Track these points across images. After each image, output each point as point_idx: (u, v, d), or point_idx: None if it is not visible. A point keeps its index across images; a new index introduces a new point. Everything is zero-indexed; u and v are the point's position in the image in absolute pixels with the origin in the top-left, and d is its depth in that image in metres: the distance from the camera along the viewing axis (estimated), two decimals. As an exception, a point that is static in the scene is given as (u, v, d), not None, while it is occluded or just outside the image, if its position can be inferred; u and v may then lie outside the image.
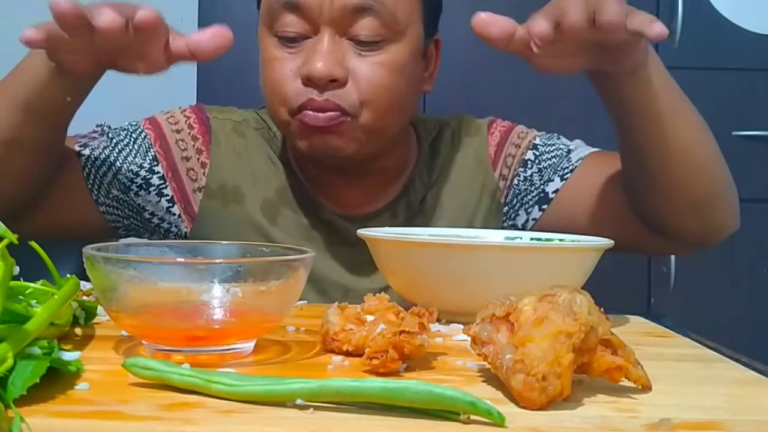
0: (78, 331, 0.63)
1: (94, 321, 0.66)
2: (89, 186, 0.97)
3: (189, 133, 1.04)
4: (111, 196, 0.98)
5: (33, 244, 0.58)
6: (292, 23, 0.92)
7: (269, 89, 0.95)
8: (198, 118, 1.06)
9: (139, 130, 1.02)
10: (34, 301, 0.54)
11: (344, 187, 1.03)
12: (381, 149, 0.99)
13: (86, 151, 0.98)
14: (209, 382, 0.46)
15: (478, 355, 0.51)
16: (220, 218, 1.01)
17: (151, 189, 1.00)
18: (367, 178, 1.03)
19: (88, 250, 0.55)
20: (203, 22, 1.91)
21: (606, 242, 0.74)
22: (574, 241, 0.80)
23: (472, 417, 0.43)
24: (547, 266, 0.70)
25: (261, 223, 1.01)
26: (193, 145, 1.03)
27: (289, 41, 0.93)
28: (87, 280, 0.58)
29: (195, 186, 1.02)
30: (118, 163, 0.98)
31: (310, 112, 0.91)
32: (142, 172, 0.99)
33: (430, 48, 1.01)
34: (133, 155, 0.99)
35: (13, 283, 0.52)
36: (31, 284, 0.57)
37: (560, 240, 0.82)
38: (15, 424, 0.38)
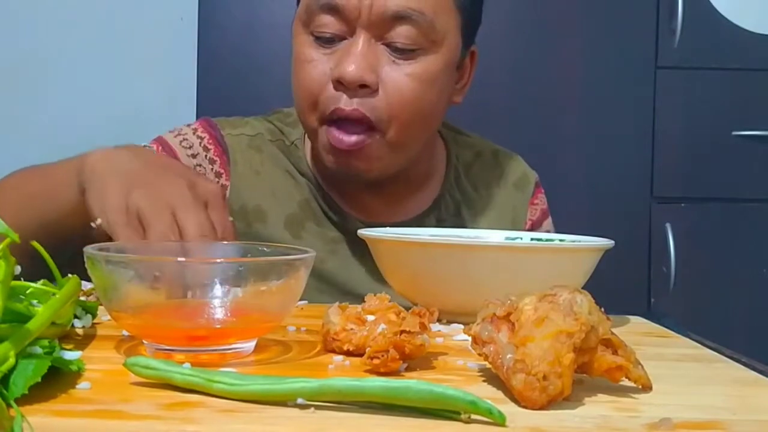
0: (79, 330, 0.63)
1: (95, 321, 0.66)
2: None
3: (205, 156, 1.01)
4: None
5: (35, 244, 0.58)
6: (329, 24, 0.91)
7: (301, 92, 0.94)
8: (212, 138, 1.03)
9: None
10: (35, 301, 0.54)
11: (368, 195, 1.02)
12: (404, 165, 0.98)
13: None
14: (210, 382, 0.46)
15: (479, 354, 0.51)
16: (243, 239, 0.96)
17: None
18: (391, 187, 1.02)
19: (89, 249, 0.55)
20: (203, 22, 1.91)
21: (606, 242, 0.74)
22: (574, 241, 0.80)
23: (473, 416, 0.43)
24: (548, 266, 0.70)
25: (285, 240, 0.99)
26: (212, 169, 1.00)
27: (325, 42, 0.91)
28: (88, 279, 0.58)
29: None
30: None
31: (336, 132, 0.90)
32: None
33: (465, 59, 1.00)
34: None
35: (14, 282, 0.52)
36: (32, 284, 0.57)
37: (561, 240, 0.82)
38: (16, 422, 0.38)
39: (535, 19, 1.91)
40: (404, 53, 0.90)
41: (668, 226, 1.89)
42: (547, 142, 1.88)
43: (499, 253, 0.72)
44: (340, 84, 0.89)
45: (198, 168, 0.99)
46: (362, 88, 0.89)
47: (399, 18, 0.89)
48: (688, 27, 1.87)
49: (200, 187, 0.75)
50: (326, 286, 0.99)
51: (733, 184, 1.91)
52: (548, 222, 1.15)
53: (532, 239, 0.84)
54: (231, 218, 0.78)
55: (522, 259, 0.70)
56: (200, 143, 1.02)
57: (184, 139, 1.02)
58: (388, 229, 0.87)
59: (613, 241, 0.75)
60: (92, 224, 0.73)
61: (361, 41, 0.89)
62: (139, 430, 0.40)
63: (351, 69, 0.88)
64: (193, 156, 1.00)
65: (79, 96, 2.14)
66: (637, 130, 1.91)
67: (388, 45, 0.90)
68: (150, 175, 0.75)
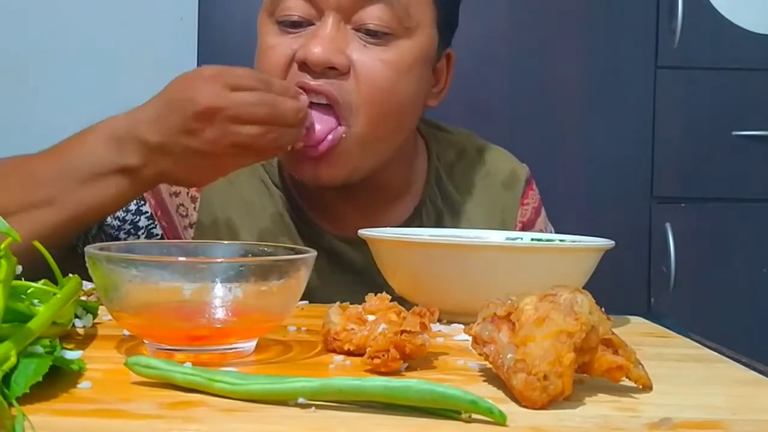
0: (80, 330, 0.63)
1: (96, 320, 0.66)
2: (75, 242, 0.87)
3: None
4: None
5: (36, 243, 0.58)
6: (295, 7, 0.86)
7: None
8: None
9: None
10: (36, 301, 0.54)
11: (342, 205, 0.97)
12: (378, 166, 0.91)
13: None
14: (211, 381, 0.46)
15: (480, 354, 0.51)
16: None
17: (140, 232, 0.92)
18: (366, 196, 0.96)
19: (90, 249, 0.55)
20: (203, 22, 1.91)
21: (606, 243, 0.74)
22: (574, 241, 0.81)
23: (474, 416, 0.43)
24: (548, 266, 0.70)
25: None
26: None
27: (290, 26, 0.86)
28: (89, 279, 0.58)
29: (186, 222, 0.94)
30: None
31: (304, 139, 0.83)
32: (129, 216, 0.92)
33: (441, 62, 0.95)
34: None
35: (15, 282, 0.52)
36: (33, 284, 0.57)
37: (561, 240, 0.82)
38: (18, 421, 0.38)
39: (535, 19, 1.91)
40: (376, 36, 0.85)
41: (668, 226, 1.89)
42: (547, 142, 1.88)
43: (499, 253, 0.72)
44: (305, 66, 0.84)
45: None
46: (330, 70, 0.83)
47: None
48: (688, 27, 1.87)
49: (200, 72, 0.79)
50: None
51: (733, 184, 1.91)
52: (541, 220, 1.08)
53: (532, 239, 0.84)
54: None
55: (522, 259, 0.70)
56: None
57: None
58: (388, 229, 0.87)
59: (613, 242, 0.75)
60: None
61: (329, 23, 0.84)
62: (140, 429, 0.41)
63: (317, 50, 0.82)
64: None
65: (78, 96, 2.13)
66: (637, 130, 1.91)
67: (358, 29, 0.85)
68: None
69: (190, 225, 0.95)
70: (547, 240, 0.83)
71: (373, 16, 0.84)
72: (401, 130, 0.92)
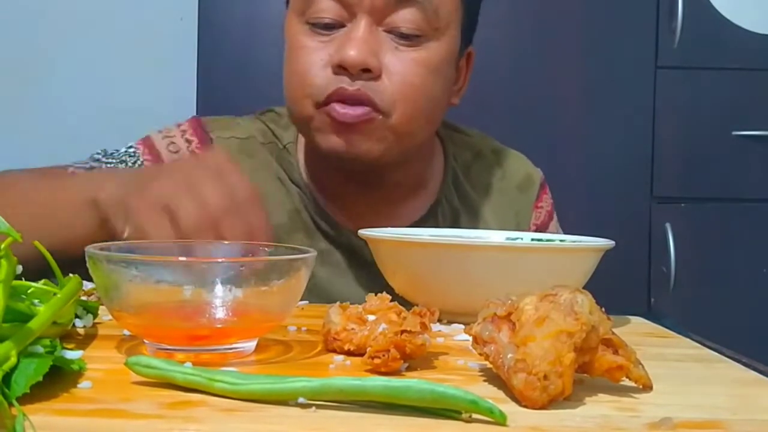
0: (80, 330, 0.63)
1: (96, 320, 0.66)
2: None
3: None
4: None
5: (36, 243, 0.58)
6: (328, 9, 0.87)
7: (295, 79, 0.89)
8: (201, 142, 0.98)
9: (136, 160, 0.95)
10: (36, 300, 0.54)
11: (361, 201, 0.98)
12: (403, 158, 0.93)
13: None
14: (212, 381, 0.46)
15: (480, 354, 0.51)
16: None
17: None
18: (385, 191, 0.98)
19: (90, 249, 0.55)
20: (203, 22, 1.91)
21: (606, 243, 0.74)
22: (575, 241, 0.81)
23: (474, 416, 0.43)
24: (548, 266, 0.70)
25: None
26: None
27: (322, 28, 0.88)
28: (89, 279, 0.58)
29: None
30: None
31: (338, 107, 0.85)
32: None
33: (462, 60, 0.97)
34: None
35: (16, 282, 0.52)
36: (34, 283, 0.57)
37: (561, 240, 0.82)
38: (18, 421, 0.38)
39: (535, 19, 1.91)
40: (408, 39, 0.87)
41: (668, 226, 1.89)
42: (547, 142, 1.88)
43: (500, 253, 0.72)
44: (340, 69, 0.85)
45: None
46: (365, 73, 0.85)
47: (404, 0, 0.86)
48: (688, 27, 1.88)
49: (207, 159, 0.76)
50: (317, 299, 0.96)
51: (733, 184, 1.91)
52: (553, 223, 1.11)
53: (532, 239, 0.84)
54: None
55: (522, 259, 0.70)
56: (188, 147, 0.97)
57: (171, 143, 0.98)
58: (388, 229, 0.87)
59: (613, 242, 0.75)
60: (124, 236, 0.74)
61: (362, 25, 0.86)
62: (140, 429, 0.41)
63: (353, 53, 0.84)
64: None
65: (79, 96, 2.14)
66: (637, 130, 1.91)
67: (390, 31, 0.87)
68: (152, 175, 0.76)
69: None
70: (547, 240, 0.83)
71: (404, 19, 0.86)
72: (429, 126, 0.94)
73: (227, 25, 1.91)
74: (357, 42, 0.85)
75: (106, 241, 0.71)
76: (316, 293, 0.95)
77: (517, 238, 0.85)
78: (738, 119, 1.90)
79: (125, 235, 0.73)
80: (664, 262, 1.88)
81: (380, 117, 0.87)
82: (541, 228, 1.09)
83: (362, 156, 0.89)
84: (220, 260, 0.61)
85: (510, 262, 0.70)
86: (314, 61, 0.87)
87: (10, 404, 0.40)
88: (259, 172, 0.97)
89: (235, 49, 1.91)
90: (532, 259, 0.70)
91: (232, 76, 1.89)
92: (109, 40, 2.17)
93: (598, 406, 0.47)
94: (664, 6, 1.89)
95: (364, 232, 0.78)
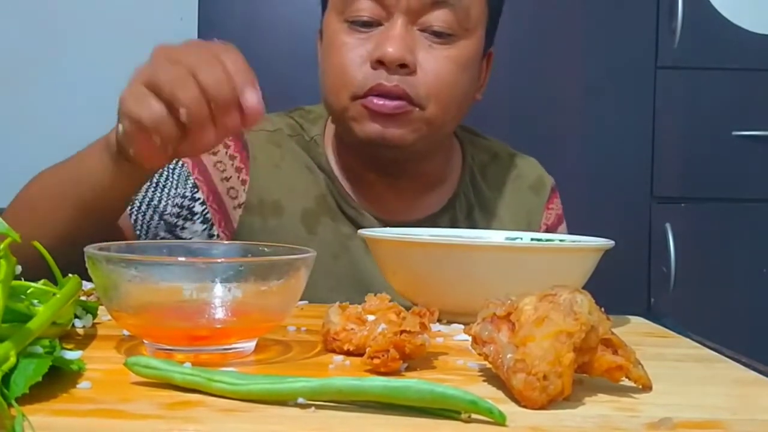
0: (80, 330, 0.63)
1: (96, 320, 0.66)
2: (137, 232, 0.96)
3: (226, 153, 1.01)
4: (158, 238, 0.96)
5: (36, 244, 0.58)
6: (366, 8, 0.93)
7: (335, 73, 0.95)
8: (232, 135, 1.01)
9: (176, 161, 0.99)
10: (36, 301, 0.54)
11: (385, 190, 1.03)
12: (431, 149, 0.99)
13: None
14: (211, 381, 0.46)
15: (479, 354, 0.51)
16: (259, 233, 0.99)
17: (195, 217, 0.98)
18: (407, 182, 1.03)
19: (90, 249, 0.55)
20: (203, 22, 1.91)
21: (606, 242, 0.74)
22: (574, 241, 0.81)
23: (473, 416, 0.43)
24: (548, 266, 0.70)
25: (300, 235, 0.99)
26: (232, 164, 1.00)
27: (361, 26, 0.93)
28: (89, 279, 0.58)
29: (235, 203, 1.00)
30: (162, 204, 0.96)
31: (376, 99, 0.91)
32: (186, 202, 0.97)
33: (483, 60, 1.03)
34: (174, 189, 0.97)
35: (15, 282, 0.52)
36: (33, 284, 0.57)
37: (561, 240, 0.82)
38: (17, 422, 0.38)
39: (535, 19, 1.91)
40: (441, 37, 0.93)
41: (668, 226, 1.89)
42: (547, 142, 1.88)
43: (499, 253, 0.72)
44: (379, 64, 0.91)
45: (218, 164, 0.99)
46: (402, 68, 0.91)
47: (438, 2, 0.92)
48: (688, 27, 1.88)
49: (210, 46, 0.73)
50: (338, 284, 0.99)
51: (733, 184, 1.91)
52: (563, 227, 1.16)
53: (532, 239, 0.84)
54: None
55: (522, 259, 0.70)
56: None
57: None
58: (388, 229, 0.88)
59: (613, 241, 0.75)
60: (117, 132, 0.72)
61: (399, 24, 0.91)
62: (139, 429, 0.41)
63: (391, 50, 0.90)
64: (214, 153, 1.00)
65: (79, 96, 2.14)
66: (637, 130, 1.91)
67: (424, 30, 0.93)
68: (162, 59, 0.72)
69: (239, 205, 1.00)
70: (547, 240, 0.83)
71: (438, 18, 0.92)
72: (458, 118, 1.01)
73: (227, 25, 1.91)
74: (395, 39, 0.90)
75: (126, 175, 0.75)
76: (337, 277, 0.98)
77: (516, 238, 0.85)
78: (738, 119, 1.90)
79: (120, 129, 0.71)
80: (664, 262, 1.88)
81: (416, 110, 0.93)
82: (551, 229, 1.14)
83: (396, 143, 0.94)
84: (219, 260, 0.61)
85: (509, 262, 0.70)
86: (353, 58, 0.93)
87: (10, 405, 0.40)
88: (286, 160, 1.03)
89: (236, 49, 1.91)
90: (531, 259, 0.70)
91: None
92: (109, 40, 2.17)
93: (597, 406, 0.47)
94: (664, 6, 1.89)
95: (363, 232, 0.78)
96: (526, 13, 1.90)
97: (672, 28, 1.88)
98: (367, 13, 0.93)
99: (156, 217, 0.96)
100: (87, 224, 0.81)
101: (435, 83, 0.92)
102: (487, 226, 1.07)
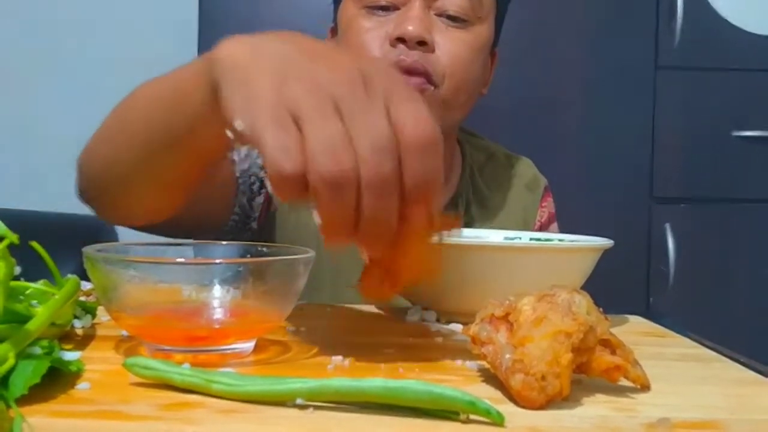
0: (79, 331, 0.63)
1: (95, 321, 0.66)
2: (239, 183, 0.95)
3: None
4: (236, 203, 0.96)
5: (34, 244, 0.58)
6: None
7: (354, 53, 0.96)
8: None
9: None
10: (35, 301, 0.54)
11: None
12: (446, 132, 1.00)
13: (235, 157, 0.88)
14: (210, 382, 0.46)
15: (477, 354, 0.51)
16: (283, 221, 1.00)
17: (263, 189, 0.99)
18: None
19: (88, 250, 0.55)
20: (203, 22, 1.91)
21: (606, 242, 0.74)
22: (573, 241, 0.81)
23: (472, 416, 0.43)
24: (547, 266, 0.70)
25: (317, 229, 0.99)
26: None
27: (379, 9, 0.96)
28: (87, 280, 0.58)
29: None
30: (253, 168, 0.97)
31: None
32: (261, 173, 0.98)
33: (488, 57, 1.05)
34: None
35: (13, 283, 0.52)
36: (32, 284, 0.57)
37: (559, 240, 0.82)
38: (16, 423, 0.38)
39: (535, 19, 1.91)
40: (456, 21, 0.96)
41: (668, 226, 1.89)
42: (547, 142, 1.88)
43: (498, 253, 0.72)
44: (399, 41, 0.93)
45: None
46: (420, 45, 0.93)
47: None
48: (688, 27, 1.88)
49: (374, 74, 0.52)
50: (344, 281, 0.99)
51: (733, 184, 1.91)
52: (554, 226, 1.18)
53: (531, 239, 0.84)
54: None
55: (521, 259, 0.70)
56: None
57: None
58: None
59: (612, 241, 0.75)
60: (229, 132, 0.52)
61: (417, 5, 0.95)
62: (138, 430, 0.41)
63: (411, 27, 0.92)
64: None
65: (79, 96, 2.14)
66: (637, 130, 1.91)
67: (440, 14, 0.96)
68: (308, 60, 0.53)
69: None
70: (546, 240, 0.83)
71: (453, 3, 0.96)
72: (467, 105, 1.02)
73: (227, 25, 1.91)
74: (414, 19, 0.93)
75: (220, 119, 0.53)
76: (344, 275, 0.98)
77: (515, 238, 0.85)
78: (738, 119, 1.90)
79: (237, 125, 0.51)
80: (664, 262, 1.88)
81: (432, 89, 0.95)
82: (544, 226, 1.16)
83: None
84: (218, 261, 0.61)
85: (508, 262, 0.69)
86: (373, 38, 0.96)
87: (8, 406, 0.40)
88: None
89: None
90: (530, 259, 0.70)
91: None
92: (109, 40, 2.17)
93: (595, 407, 0.47)
94: (664, 6, 1.89)
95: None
96: (527, 13, 1.90)
97: (672, 28, 1.89)
98: None
99: (251, 180, 0.97)
100: (185, 166, 0.70)
101: (451, 63, 0.95)
102: (484, 223, 1.09)
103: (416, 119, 0.50)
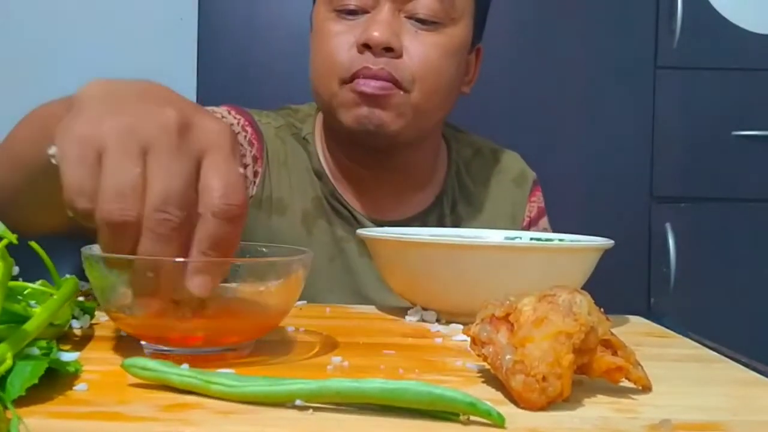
0: (77, 331, 0.63)
1: (93, 321, 0.65)
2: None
3: (245, 137, 1.00)
4: None
5: (33, 244, 0.58)
6: None
7: (322, 59, 0.96)
8: (247, 121, 1.02)
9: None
10: (33, 302, 0.54)
11: (375, 187, 1.04)
12: (417, 138, 0.99)
13: None
14: (208, 383, 0.45)
15: (478, 355, 0.50)
16: (262, 230, 0.98)
17: None
18: (397, 176, 1.04)
19: (86, 250, 0.55)
20: (203, 22, 1.91)
21: (606, 242, 0.74)
22: (574, 241, 0.80)
23: (472, 418, 0.42)
24: (547, 266, 0.70)
25: (300, 235, 1.00)
26: (250, 152, 1.00)
27: (347, 14, 0.95)
28: (86, 280, 0.57)
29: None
30: None
31: (363, 80, 0.92)
32: None
33: (471, 54, 1.04)
34: None
35: (12, 283, 0.52)
36: (30, 284, 0.57)
37: (560, 240, 0.82)
38: (13, 424, 0.38)
39: (535, 19, 1.91)
40: (426, 24, 0.94)
41: (668, 226, 1.89)
42: (547, 142, 1.88)
43: (498, 253, 0.72)
44: (365, 48, 0.92)
45: (240, 147, 0.90)
46: (387, 52, 0.92)
47: None
48: (687, 27, 1.87)
49: (199, 128, 0.50)
50: (334, 286, 0.99)
51: (733, 184, 1.91)
52: (544, 220, 1.17)
53: (531, 239, 0.84)
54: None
55: (521, 259, 0.70)
56: (238, 123, 1.01)
57: (222, 117, 1.00)
58: (386, 229, 0.87)
59: (612, 241, 0.75)
60: (48, 152, 0.51)
61: (385, 9, 0.93)
62: (136, 431, 0.40)
63: (376, 33, 0.91)
64: (237, 134, 0.98)
65: (78, 96, 2.13)
66: (637, 130, 1.91)
67: (410, 17, 0.94)
68: (137, 102, 0.52)
69: (249, 198, 0.99)
70: (547, 240, 0.82)
71: (424, 6, 0.94)
72: (444, 107, 1.00)
73: (227, 25, 1.91)
74: (380, 24, 0.92)
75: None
76: (334, 279, 0.98)
77: (515, 238, 0.85)
78: (738, 119, 1.90)
79: (50, 151, 0.51)
80: (664, 263, 1.88)
81: (401, 93, 0.93)
82: (534, 222, 1.15)
83: (383, 127, 0.94)
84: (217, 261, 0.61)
85: (509, 262, 0.69)
86: (341, 43, 0.94)
87: (6, 407, 0.40)
88: (290, 158, 1.03)
89: (235, 49, 1.91)
90: (530, 259, 0.70)
91: (232, 76, 1.89)
92: (109, 40, 2.17)
93: (596, 408, 0.47)
94: (663, 6, 1.89)
95: (361, 232, 0.78)
96: (526, 12, 1.90)
97: (672, 28, 1.88)
98: (354, 2, 0.94)
99: None
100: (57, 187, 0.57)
101: (420, 68, 0.93)
102: (472, 221, 1.08)
103: (226, 184, 0.49)
